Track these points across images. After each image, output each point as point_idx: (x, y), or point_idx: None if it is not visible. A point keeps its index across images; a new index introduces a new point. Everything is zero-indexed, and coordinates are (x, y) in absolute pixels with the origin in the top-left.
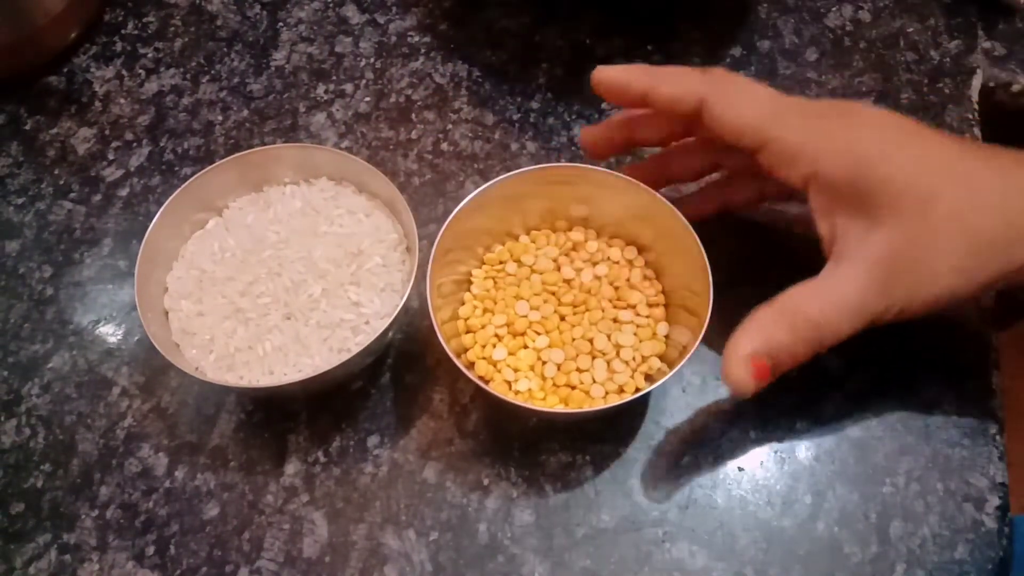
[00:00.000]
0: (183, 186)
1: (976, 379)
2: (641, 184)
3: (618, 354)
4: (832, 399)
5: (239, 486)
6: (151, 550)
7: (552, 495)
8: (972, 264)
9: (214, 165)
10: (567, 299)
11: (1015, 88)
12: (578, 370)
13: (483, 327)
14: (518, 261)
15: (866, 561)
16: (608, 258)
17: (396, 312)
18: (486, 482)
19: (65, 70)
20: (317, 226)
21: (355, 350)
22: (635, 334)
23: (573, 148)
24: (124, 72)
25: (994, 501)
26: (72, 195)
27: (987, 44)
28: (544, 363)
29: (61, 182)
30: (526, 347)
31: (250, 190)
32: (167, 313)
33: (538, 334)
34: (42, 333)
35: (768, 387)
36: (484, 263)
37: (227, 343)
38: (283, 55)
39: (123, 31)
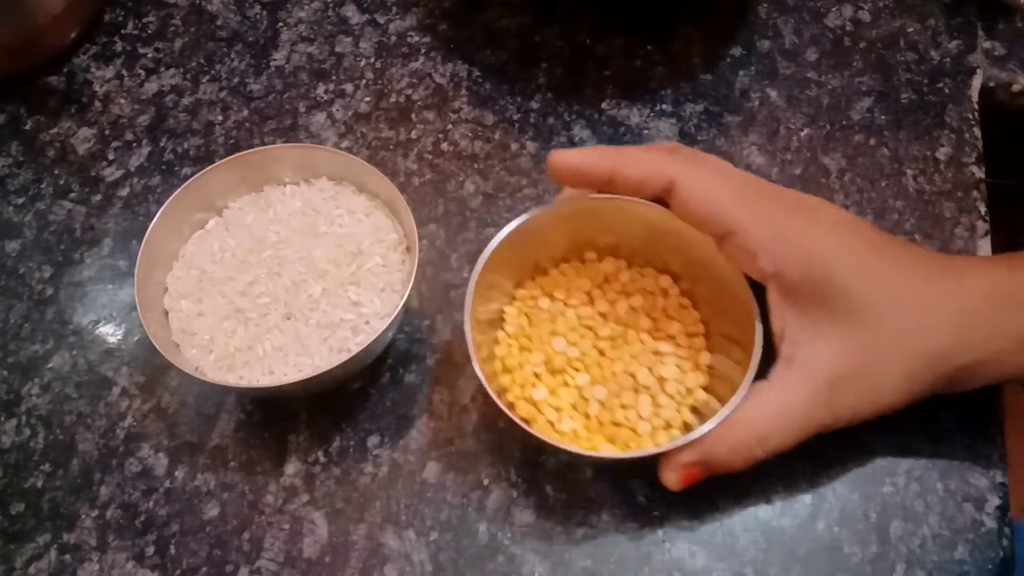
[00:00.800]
0: (183, 186)
1: None
2: (667, 210)
3: (662, 388)
4: None
5: (239, 486)
6: (151, 550)
7: (552, 495)
8: (911, 380)
9: (214, 165)
10: (604, 333)
11: (1015, 88)
12: (622, 406)
13: (521, 366)
14: (550, 296)
15: (866, 561)
16: (642, 288)
17: (396, 312)
18: (486, 482)
19: (65, 70)
20: (317, 226)
21: (355, 350)
22: (677, 366)
23: (573, 148)
24: (124, 72)
25: (994, 501)
26: (72, 195)
27: (987, 44)
28: (587, 401)
29: (61, 182)
30: (566, 384)
31: (250, 190)
32: (167, 313)
33: (578, 371)
34: (42, 333)
35: None
36: (515, 299)
37: (227, 343)
38: (283, 55)
39: (123, 31)
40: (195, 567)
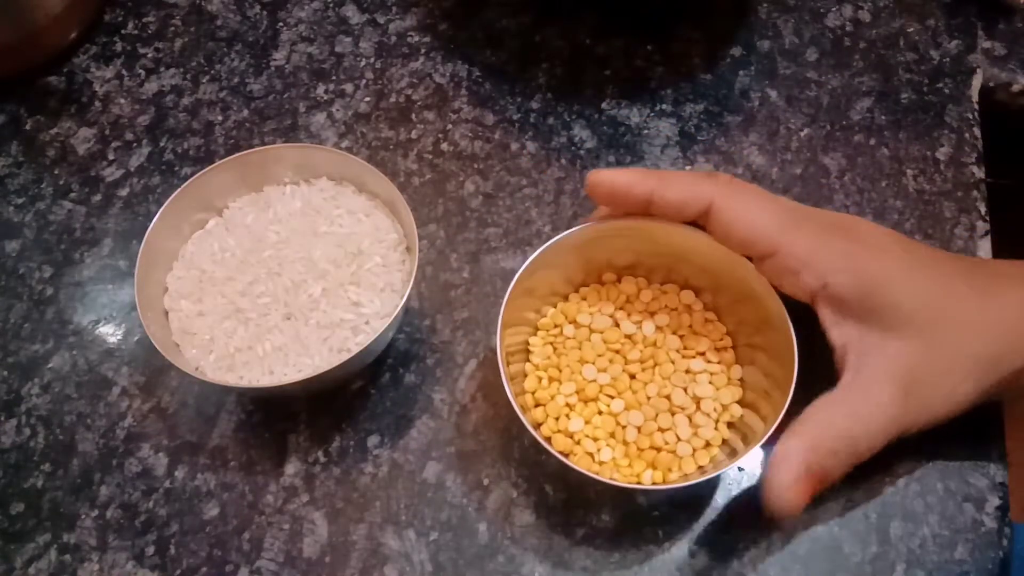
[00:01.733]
0: (183, 186)
1: None
2: (692, 228)
3: (698, 407)
4: None
5: (239, 486)
6: (151, 550)
7: (552, 495)
8: (975, 382)
9: (214, 165)
10: (633, 356)
11: (1015, 88)
12: (660, 430)
13: (552, 398)
14: (574, 322)
15: (866, 561)
16: (666, 306)
17: (396, 312)
18: (486, 482)
19: (65, 70)
20: (317, 226)
21: (355, 350)
22: (711, 382)
23: (573, 148)
24: (124, 72)
25: (994, 501)
26: (72, 195)
27: (987, 44)
28: (624, 427)
29: (61, 182)
30: (601, 413)
31: (250, 190)
32: (167, 313)
33: (611, 397)
34: (42, 333)
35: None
36: (539, 328)
37: (227, 343)
38: (283, 55)
39: (123, 31)
40: (195, 567)
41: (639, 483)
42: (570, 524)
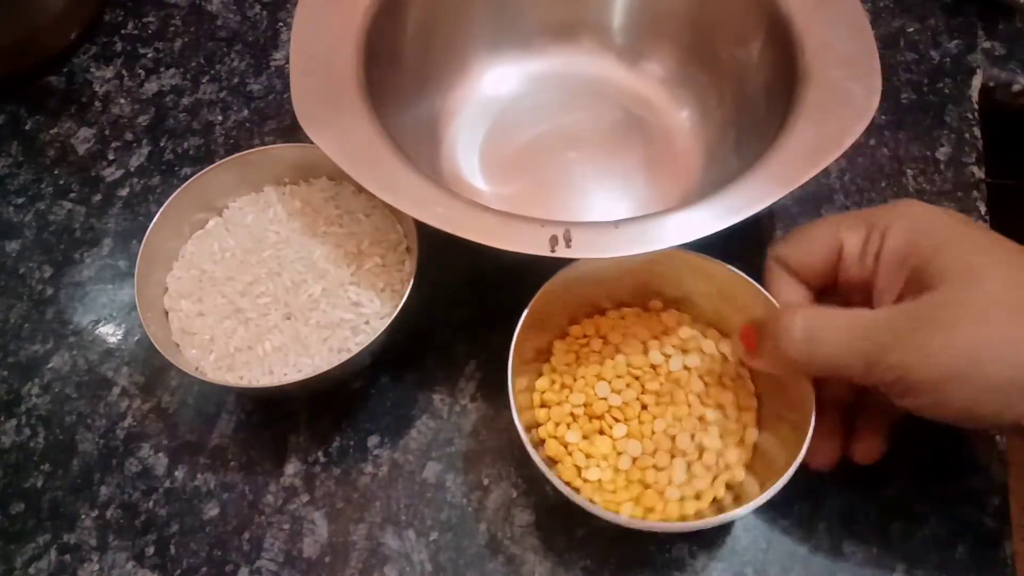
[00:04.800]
0: (183, 186)
1: None
2: (746, 277)
3: (700, 456)
4: None
5: (239, 486)
6: (151, 550)
7: (552, 495)
8: (985, 354)
9: (214, 165)
10: (652, 387)
11: (1015, 88)
12: (655, 468)
13: (559, 403)
14: (604, 338)
15: (866, 561)
16: (701, 349)
17: (396, 312)
18: (486, 482)
19: (65, 70)
20: (317, 226)
21: (355, 350)
22: (721, 437)
23: None
24: (124, 72)
25: (994, 501)
26: (72, 195)
27: (987, 44)
28: (619, 454)
29: (61, 182)
30: (601, 432)
31: (250, 190)
32: (167, 313)
33: (616, 421)
34: (42, 333)
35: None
36: (568, 335)
37: (227, 343)
38: (283, 55)
39: (123, 31)
40: (195, 567)
41: (617, 512)
42: (570, 524)
